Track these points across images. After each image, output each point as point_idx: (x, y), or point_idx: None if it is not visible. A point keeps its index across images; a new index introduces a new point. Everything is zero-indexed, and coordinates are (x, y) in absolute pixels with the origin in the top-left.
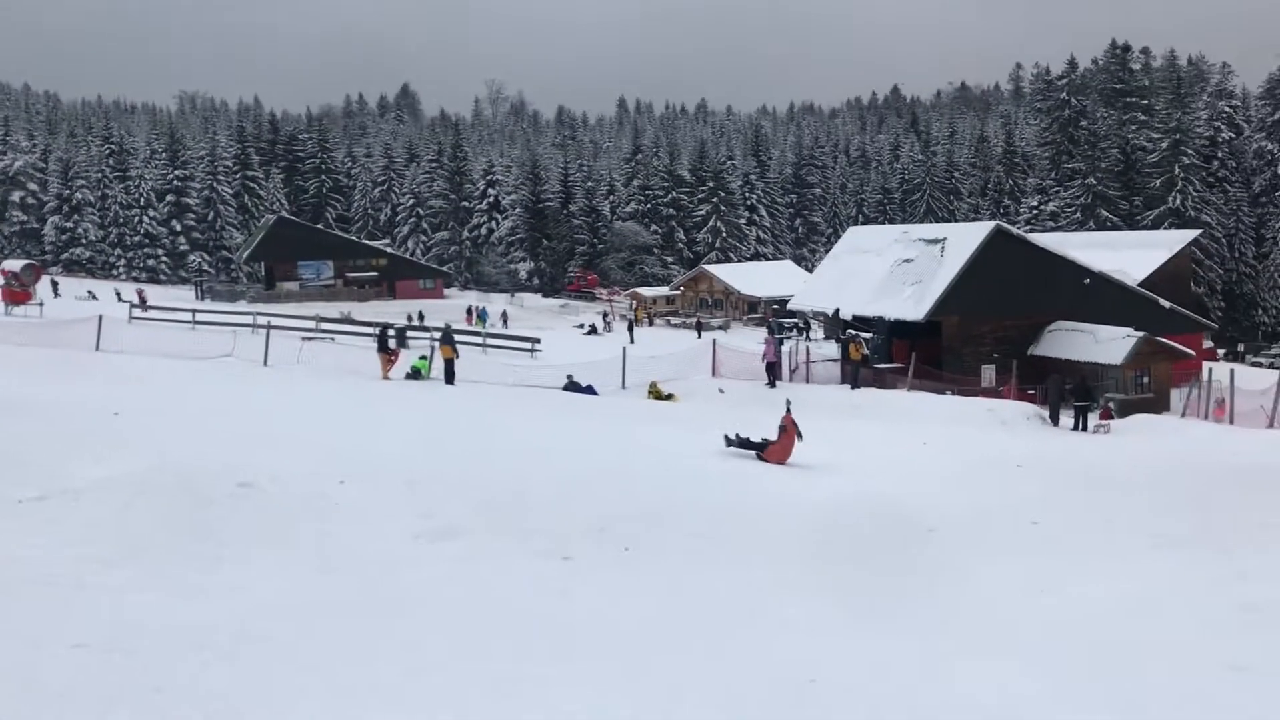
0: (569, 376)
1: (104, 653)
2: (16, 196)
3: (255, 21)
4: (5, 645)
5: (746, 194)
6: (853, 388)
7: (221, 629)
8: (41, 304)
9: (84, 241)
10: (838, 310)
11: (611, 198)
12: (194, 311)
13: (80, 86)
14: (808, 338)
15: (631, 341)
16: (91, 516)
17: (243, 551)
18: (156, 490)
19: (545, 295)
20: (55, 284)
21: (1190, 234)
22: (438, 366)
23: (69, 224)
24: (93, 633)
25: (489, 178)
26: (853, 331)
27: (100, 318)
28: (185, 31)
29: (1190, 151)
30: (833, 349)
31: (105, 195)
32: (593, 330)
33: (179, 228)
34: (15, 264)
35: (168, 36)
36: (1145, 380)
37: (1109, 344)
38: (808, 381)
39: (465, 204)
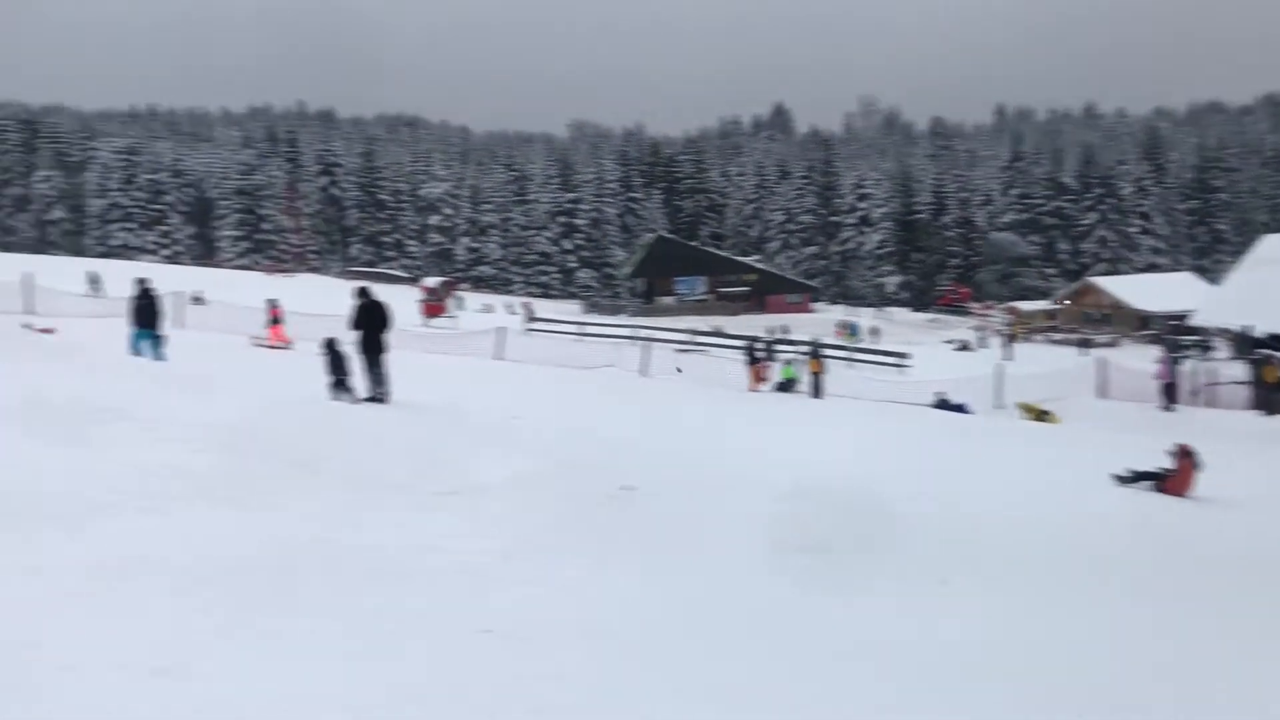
0: (940, 394)
1: (505, 639)
2: (434, 220)
3: (637, 51)
4: (425, 624)
5: (1139, 200)
6: (1267, 414)
7: (596, 626)
8: (455, 316)
9: (488, 260)
10: (1248, 327)
11: (987, 208)
12: (580, 324)
13: (487, 119)
14: (1210, 358)
15: (1008, 358)
16: (494, 512)
17: (622, 552)
18: (548, 490)
19: (914, 309)
20: (459, 299)
21: None
22: (805, 380)
23: (476, 244)
24: (498, 620)
25: (859, 191)
26: (1266, 351)
27: (501, 330)
28: (575, 65)
29: None
30: (1241, 370)
31: (506, 218)
32: (965, 346)
33: (569, 246)
34: (433, 281)
35: (559, 68)
36: None
37: None
38: (1211, 406)
39: (834, 218)
